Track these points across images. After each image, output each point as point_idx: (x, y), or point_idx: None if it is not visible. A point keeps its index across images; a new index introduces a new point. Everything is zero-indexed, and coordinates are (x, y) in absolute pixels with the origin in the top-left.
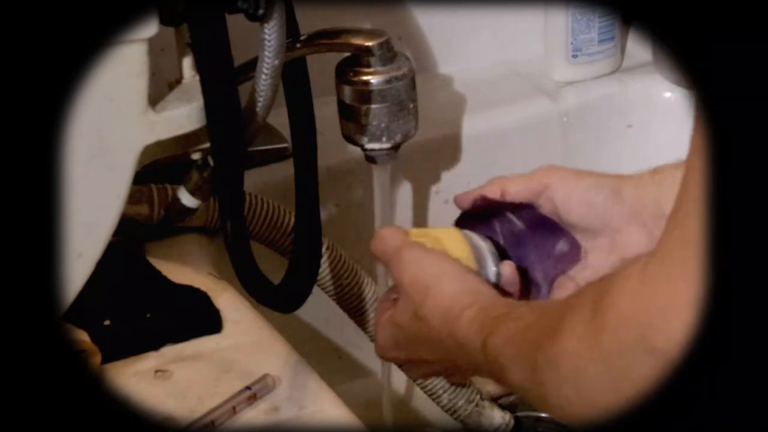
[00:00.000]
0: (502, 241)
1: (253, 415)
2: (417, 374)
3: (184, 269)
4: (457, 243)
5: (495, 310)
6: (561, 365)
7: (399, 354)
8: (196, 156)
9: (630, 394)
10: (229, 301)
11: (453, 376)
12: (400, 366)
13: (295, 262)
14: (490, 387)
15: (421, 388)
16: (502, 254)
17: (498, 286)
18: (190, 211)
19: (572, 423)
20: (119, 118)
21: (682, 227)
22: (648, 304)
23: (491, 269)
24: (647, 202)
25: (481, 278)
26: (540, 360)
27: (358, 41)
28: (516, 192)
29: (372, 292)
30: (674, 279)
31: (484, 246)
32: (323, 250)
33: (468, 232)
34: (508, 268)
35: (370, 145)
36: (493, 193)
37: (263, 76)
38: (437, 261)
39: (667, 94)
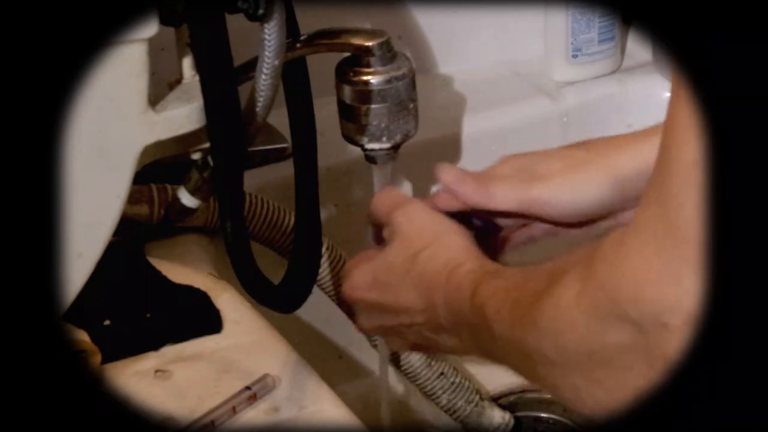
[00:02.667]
0: None
1: (253, 415)
2: (377, 323)
3: (184, 269)
4: None
5: (490, 267)
6: (541, 324)
7: (371, 295)
8: (196, 156)
9: (604, 361)
10: (229, 301)
11: (413, 334)
12: (359, 315)
13: (295, 262)
14: (490, 387)
15: (421, 389)
16: None
17: None
18: (190, 211)
19: (549, 388)
20: (119, 118)
21: (659, 203)
22: (620, 275)
23: None
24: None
25: None
26: (520, 319)
27: (358, 41)
28: (503, 202)
29: None
30: (647, 254)
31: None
32: (323, 250)
33: None
34: None
35: (370, 145)
36: (477, 198)
37: (263, 76)
38: (445, 219)
39: (667, 94)
